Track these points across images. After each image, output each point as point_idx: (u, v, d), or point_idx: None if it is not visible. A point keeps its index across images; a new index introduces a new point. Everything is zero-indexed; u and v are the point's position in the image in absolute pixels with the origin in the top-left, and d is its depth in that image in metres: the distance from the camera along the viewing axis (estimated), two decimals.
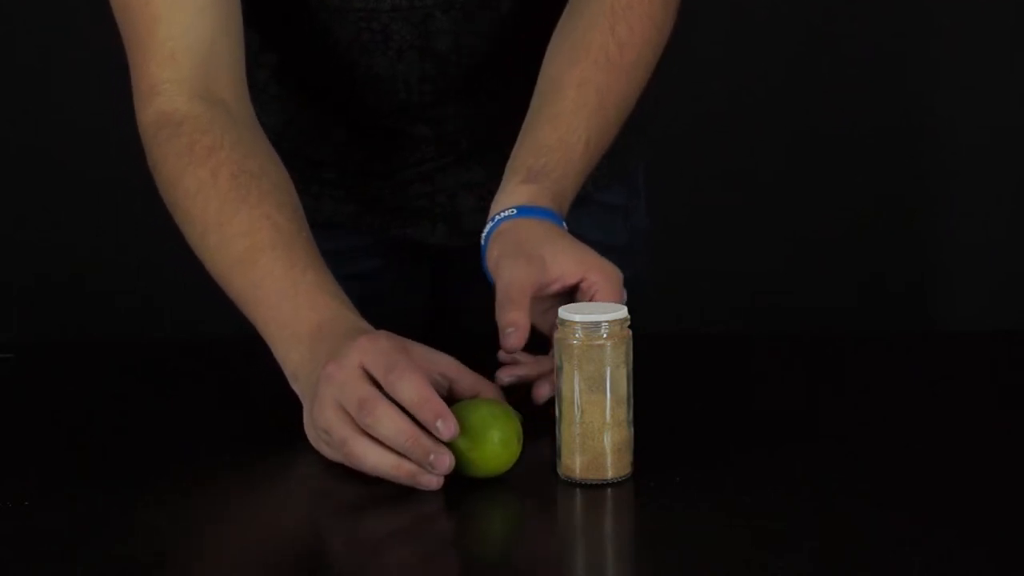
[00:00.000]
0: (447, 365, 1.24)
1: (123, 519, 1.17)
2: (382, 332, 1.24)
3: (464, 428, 1.19)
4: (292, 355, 1.27)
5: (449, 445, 1.18)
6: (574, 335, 1.19)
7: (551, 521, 1.19)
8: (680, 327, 2.53)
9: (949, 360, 1.51)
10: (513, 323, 1.27)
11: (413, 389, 1.17)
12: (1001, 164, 2.79)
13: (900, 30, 2.76)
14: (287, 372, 1.29)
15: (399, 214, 1.62)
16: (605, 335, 1.18)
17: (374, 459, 1.18)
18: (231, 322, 1.51)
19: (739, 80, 2.75)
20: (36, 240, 2.77)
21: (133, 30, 1.40)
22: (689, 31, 1.52)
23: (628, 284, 1.33)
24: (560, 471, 1.20)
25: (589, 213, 1.56)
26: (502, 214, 1.35)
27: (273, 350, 1.30)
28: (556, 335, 1.20)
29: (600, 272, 1.30)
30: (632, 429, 1.20)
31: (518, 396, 1.27)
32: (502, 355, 1.30)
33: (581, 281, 1.30)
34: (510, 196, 1.36)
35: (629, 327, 1.20)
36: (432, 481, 1.17)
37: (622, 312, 1.20)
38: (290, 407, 1.28)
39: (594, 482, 1.19)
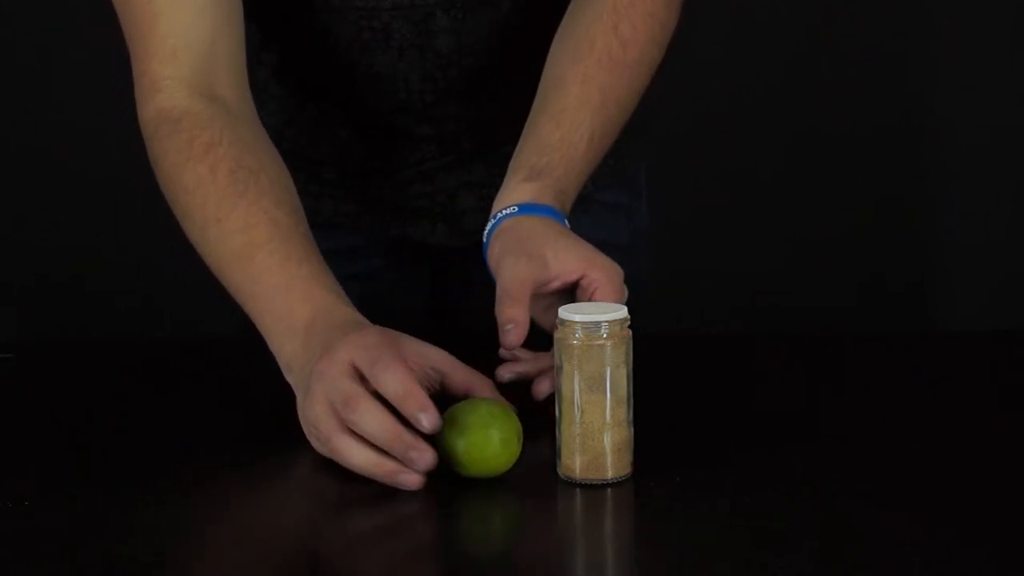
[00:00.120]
0: (440, 359, 1.24)
1: (123, 519, 1.17)
2: (375, 327, 1.24)
3: (464, 428, 1.19)
4: (286, 347, 1.28)
5: (450, 445, 1.19)
6: (574, 335, 1.19)
7: (551, 521, 1.19)
8: (680, 327, 2.53)
9: (949, 360, 1.51)
10: (512, 319, 1.27)
11: (397, 382, 1.17)
12: (1001, 164, 2.79)
13: (900, 30, 2.76)
14: (281, 364, 1.29)
15: (399, 214, 1.62)
16: (605, 335, 1.18)
17: (357, 457, 1.18)
18: (231, 322, 1.51)
19: (739, 80, 2.75)
20: (36, 240, 2.77)
21: (135, 26, 1.40)
22: (689, 31, 1.52)
23: (629, 284, 1.33)
24: (560, 471, 1.20)
25: (590, 213, 1.56)
26: (504, 212, 1.35)
27: (268, 343, 1.30)
28: (556, 335, 1.20)
29: (600, 269, 1.30)
30: (632, 429, 1.20)
31: (518, 396, 1.27)
32: (503, 352, 1.31)
33: (581, 278, 1.30)
34: (512, 194, 1.36)
35: (629, 327, 1.20)
36: (413, 480, 1.17)
37: (622, 312, 1.20)
38: (290, 407, 1.28)
39: (594, 482, 1.19)
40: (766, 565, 1.06)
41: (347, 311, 1.28)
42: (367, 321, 1.27)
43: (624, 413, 1.19)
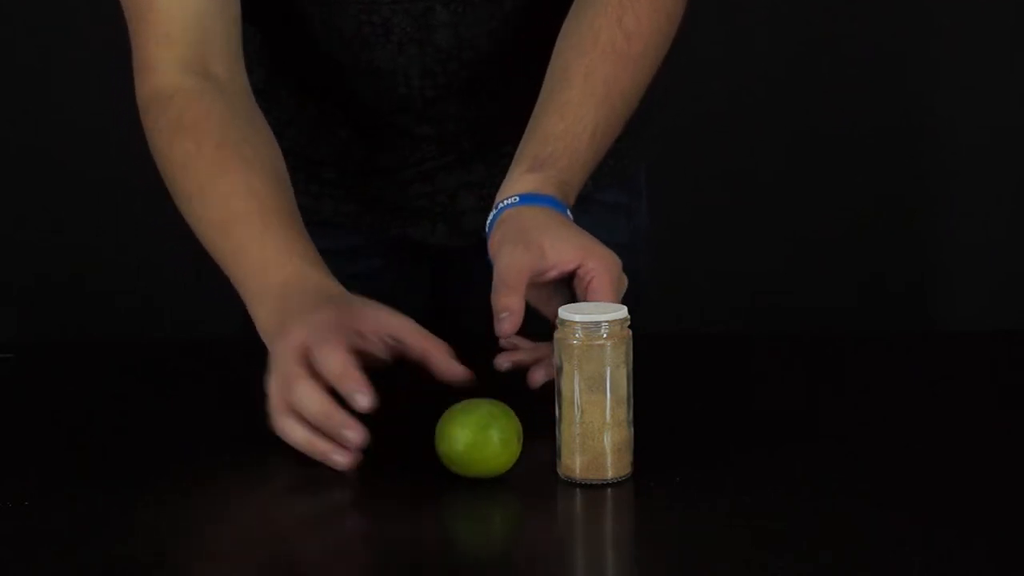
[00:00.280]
0: (397, 326, 1.27)
1: (123, 519, 1.17)
2: (339, 299, 1.28)
3: (464, 428, 1.19)
4: (260, 313, 1.32)
5: (450, 445, 1.19)
6: (574, 335, 1.19)
7: (551, 521, 1.19)
8: (680, 327, 2.53)
9: (949, 360, 1.51)
10: (507, 308, 1.28)
11: (335, 362, 1.21)
12: (1001, 164, 2.78)
13: (900, 30, 2.76)
14: (258, 329, 1.32)
15: (399, 214, 1.62)
16: (605, 335, 1.18)
17: (294, 435, 1.23)
18: (231, 322, 1.52)
19: (739, 80, 2.75)
20: (36, 240, 2.77)
21: (134, 8, 1.44)
22: (689, 31, 1.52)
23: (629, 285, 1.33)
24: (560, 471, 1.20)
25: (590, 212, 1.56)
26: (505, 202, 1.35)
27: (248, 309, 1.34)
28: (556, 335, 1.20)
29: (597, 259, 1.30)
30: (632, 429, 1.20)
31: (518, 396, 1.27)
32: (503, 341, 1.31)
33: (578, 268, 1.30)
34: (514, 184, 1.37)
35: (629, 327, 1.20)
36: (343, 460, 1.21)
37: (622, 312, 1.20)
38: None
39: (594, 482, 1.19)
40: (766, 565, 1.06)
41: (317, 278, 1.32)
42: (340, 288, 1.31)
43: (624, 413, 1.19)
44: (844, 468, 1.23)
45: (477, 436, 1.19)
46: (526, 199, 1.35)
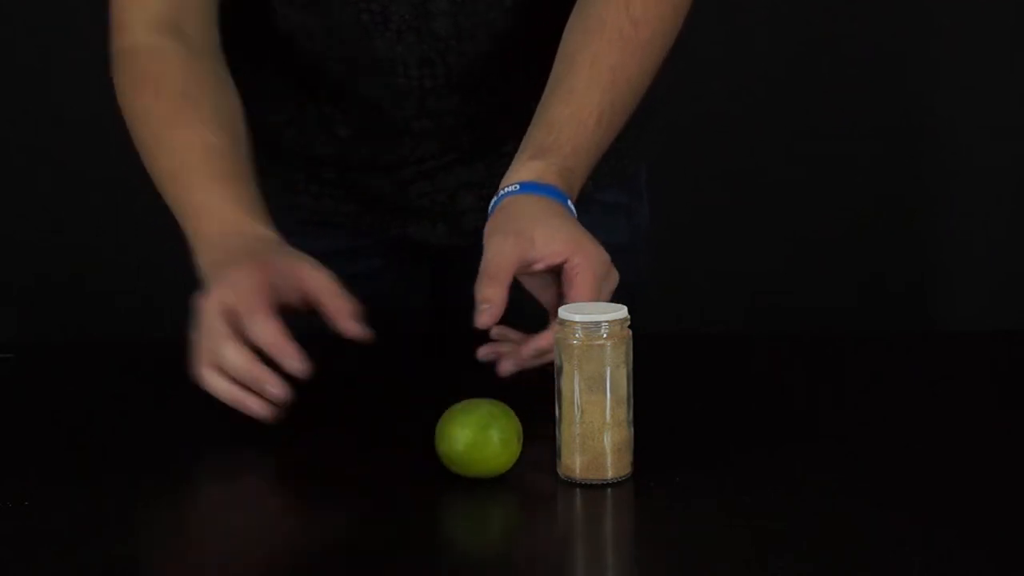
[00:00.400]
0: (312, 286, 1.32)
1: (123, 519, 1.17)
2: (258, 258, 1.32)
3: (464, 428, 1.19)
4: (200, 260, 1.37)
5: (450, 445, 1.19)
6: (574, 335, 1.19)
7: (551, 521, 1.19)
8: (680, 327, 2.53)
9: (949, 360, 1.51)
10: (488, 300, 1.29)
11: (266, 332, 1.27)
12: (1001, 164, 2.78)
13: (900, 30, 2.76)
14: (201, 275, 1.37)
15: (399, 213, 1.62)
16: (605, 335, 1.18)
17: (218, 387, 1.29)
18: None
19: (739, 80, 2.75)
20: (36, 240, 2.77)
21: None
22: (689, 31, 1.52)
23: (630, 284, 1.33)
24: (560, 471, 1.20)
25: (590, 213, 1.56)
26: (506, 189, 1.36)
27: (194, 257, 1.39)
28: (556, 335, 1.20)
29: (584, 254, 1.30)
30: (632, 429, 1.20)
31: (518, 396, 1.27)
32: (493, 332, 1.33)
33: (565, 261, 1.30)
34: (517, 172, 1.37)
35: (629, 327, 1.20)
36: (265, 411, 1.27)
37: (622, 312, 1.20)
38: (290, 408, 1.28)
39: (594, 482, 1.19)
40: (766, 565, 1.06)
41: (255, 227, 1.37)
42: (275, 238, 1.37)
43: (624, 413, 1.19)
44: (844, 468, 1.23)
45: (477, 436, 1.19)
46: (527, 187, 1.35)
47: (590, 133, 1.40)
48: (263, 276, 1.31)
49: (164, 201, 1.44)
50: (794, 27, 2.74)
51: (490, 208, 1.37)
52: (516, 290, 1.32)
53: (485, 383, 1.28)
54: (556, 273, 1.32)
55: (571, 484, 1.20)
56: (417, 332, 1.67)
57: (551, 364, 1.22)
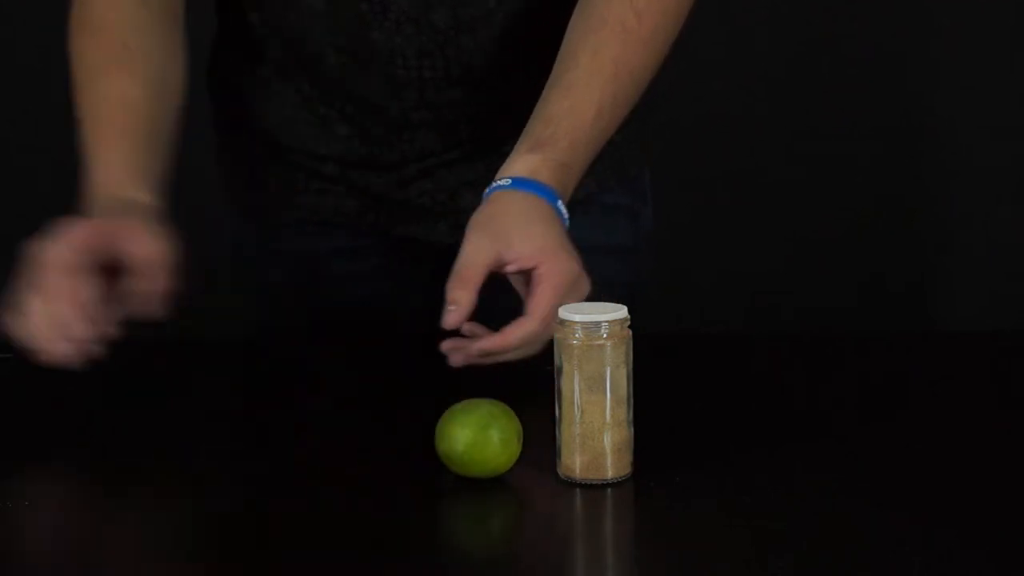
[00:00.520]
0: (139, 262, 1.33)
1: (123, 519, 1.17)
2: (99, 223, 1.36)
3: (464, 428, 1.19)
4: (88, 211, 1.41)
5: (449, 445, 1.19)
6: (574, 335, 1.19)
7: (551, 521, 1.19)
8: (680, 327, 2.53)
9: (949, 360, 1.51)
10: (455, 301, 1.30)
11: (62, 312, 1.29)
12: (1001, 164, 2.78)
13: (900, 30, 2.76)
14: None
15: (400, 212, 1.62)
16: (605, 335, 1.18)
17: (19, 332, 1.31)
18: (231, 322, 1.51)
19: (739, 80, 2.75)
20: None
21: None
22: (689, 31, 1.52)
23: (632, 286, 1.33)
24: (560, 471, 1.20)
25: (590, 214, 1.56)
26: (498, 183, 1.36)
27: None
28: (556, 335, 1.20)
29: (551, 264, 1.31)
30: (632, 429, 1.20)
31: (518, 396, 1.27)
32: (465, 328, 1.33)
33: (534, 268, 1.31)
34: (512, 165, 1.38)
35: (629, 327, 1.20)
36: (61, 354, 1.30)
37: (622, 312, 1.20)
38: (290, 408, 1.28)
39: (594, 482, 1.19)
40: (766, 565, 1.06)
41: (133, 191, 1.40)
42: (147, 204, 1.38)
43: (624, 413, 1.19)
44: (844, 468, 1.23)
45: (477, 436, 1.19)
46: (518, 183, 1.36)
47: (588, 125, 1.40)
48: (87, 235, 1.33)
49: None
50: (794, 27, 2.74)
51: (484, 197, 1.37)
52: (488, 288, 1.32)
53: (485, 383, 1.28)
54: (528, 275, 1.32)
55: (571, 484, 1.19)
56: (417, 332, 1.67)
57: (551, 364, 1.22)
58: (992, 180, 2.79)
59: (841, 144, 2.77)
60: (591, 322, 1.18)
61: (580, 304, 1.23)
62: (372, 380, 1.45)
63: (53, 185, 2.74)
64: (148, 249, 1.33)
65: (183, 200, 1.44)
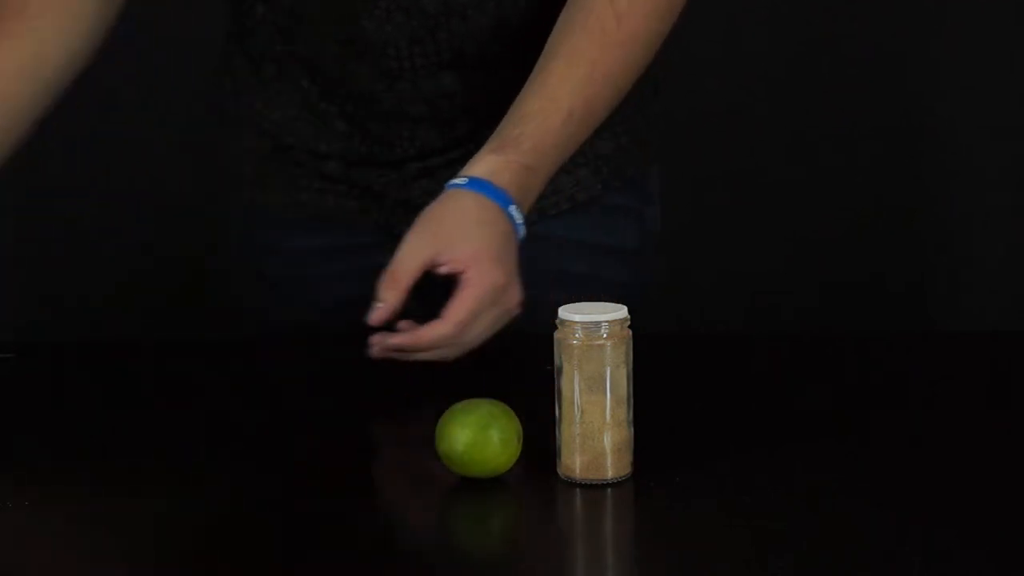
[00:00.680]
0: None
1: (123, 519, 1.17)
2: None
3: (464, 428, 1.19)
4: None
5: (449, 445, 1.19)
6: (574, 335, 1.19)
7: (551, 521, 1.19)
8: (680, 327, 2.53)
9: (949, 360, 1.51)
10: (383, 299, 1.33)
11: None
12: (1001, 164, 2.78)
13: (900, 30, 2.76)
14: None
15: (402, 211, 1.62)
16: (605, 335, 1.18)
17: None
18: (231, 322, 1.51)
19: (739, 80, 2.75)
20: (36, 240, 2.76)
21: None
22: (689, 31, 1.52)
23: (635, 288, 1.33)
24: (560, 471, 1.20)
25: (591, 214, 1.56)
26: (456, 180, 1.37)
27: None
28: (556, 335, 1.20)
29: (477, 272, 1.33)
30: (632, 429, 1.20)
31: (518, 396, 1.27)
32: (400, 323, 1.34)
33: (463, 272, 1.32)
34: (475, 163, 1.39)
35: (629, 327, 1.20)
36: None
37: (622, 312, 1.20)
38: (291, 408, 1.28)
39: (594, 482, 1.19)
40: (766, 565, 1.06)
41: None
42: None
43: (624, 413, 1.19)
44: (844, 468, 1.23)
45: (477, 436, 1.19)
46: (473, 183, 1.37)
47: (557, 128, 1.40)
48: None
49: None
50: (794, 27, 2.74)
51: (444, 189, 1.38)
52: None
53: (485, 383, 1.28)
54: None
55: (571, 484, 1.19)
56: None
57: (551, 364, 1.22)
58: (992, 180, 2.79)
59: (841, 144, 2.77)
60: (591, 322, 1.18)
61: (580, 304, 1.23)
62: (372, 380, 1.45)
63: (54, 185, 2.75)
64: None
65: (183, 200, 1.45)
